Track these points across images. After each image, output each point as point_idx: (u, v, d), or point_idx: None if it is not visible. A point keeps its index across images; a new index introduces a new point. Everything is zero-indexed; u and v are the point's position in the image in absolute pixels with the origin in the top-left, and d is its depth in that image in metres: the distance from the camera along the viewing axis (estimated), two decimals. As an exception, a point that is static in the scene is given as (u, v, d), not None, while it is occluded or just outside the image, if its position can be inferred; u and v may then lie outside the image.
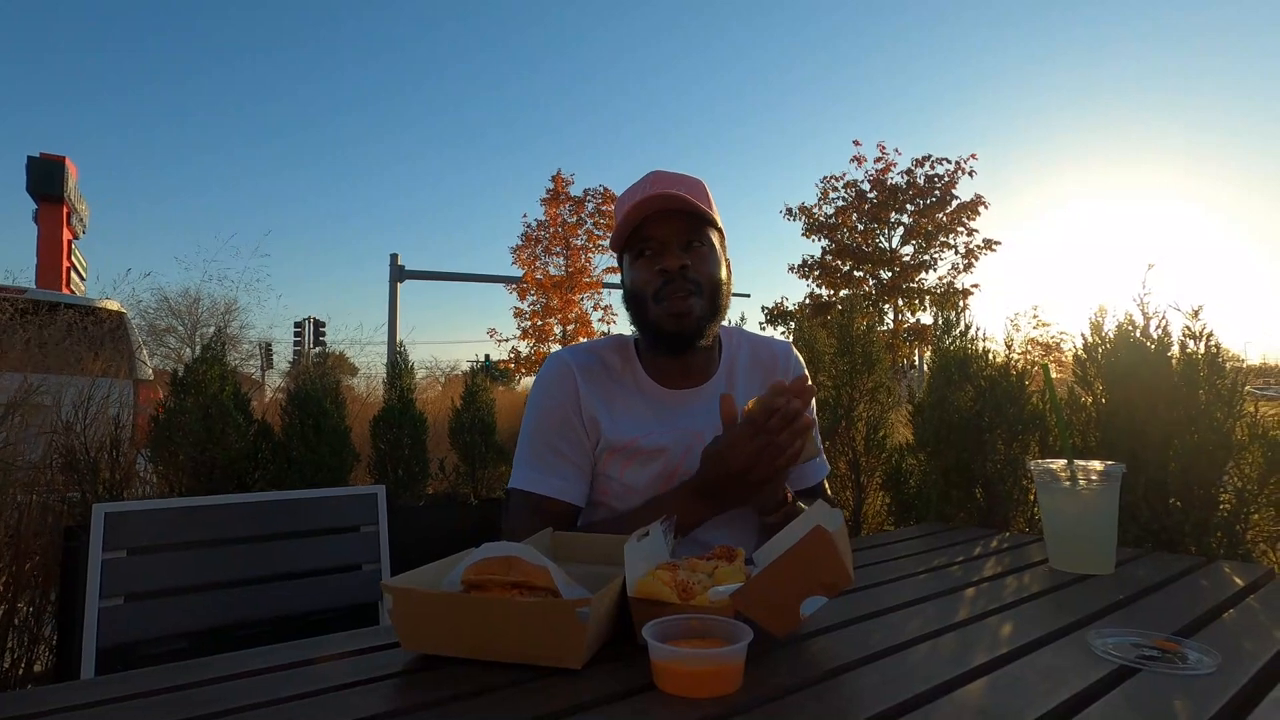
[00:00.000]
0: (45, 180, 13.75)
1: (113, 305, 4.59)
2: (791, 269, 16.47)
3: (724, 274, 1.18)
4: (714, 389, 1.20)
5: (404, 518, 2.49)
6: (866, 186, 16.14)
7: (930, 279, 16.07)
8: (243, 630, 1.34)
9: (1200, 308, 1.68)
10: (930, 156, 15.84)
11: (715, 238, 1.18)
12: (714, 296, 1.15)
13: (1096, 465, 1.03)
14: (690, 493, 1.07)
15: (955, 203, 15.69)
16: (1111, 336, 1.80)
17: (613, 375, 1.20)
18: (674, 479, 1.14)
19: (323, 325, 18.89)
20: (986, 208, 15.66)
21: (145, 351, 4.77)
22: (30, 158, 13.77)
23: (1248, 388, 1.63)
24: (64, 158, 14.07)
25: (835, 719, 0.56)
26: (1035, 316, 16.86)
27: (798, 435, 0.98)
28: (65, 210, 14.13)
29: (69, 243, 14.51)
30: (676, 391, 1.19)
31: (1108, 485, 1.02)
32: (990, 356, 2.19)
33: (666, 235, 1.12)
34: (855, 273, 16.15)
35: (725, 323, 1.27)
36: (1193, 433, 1.60)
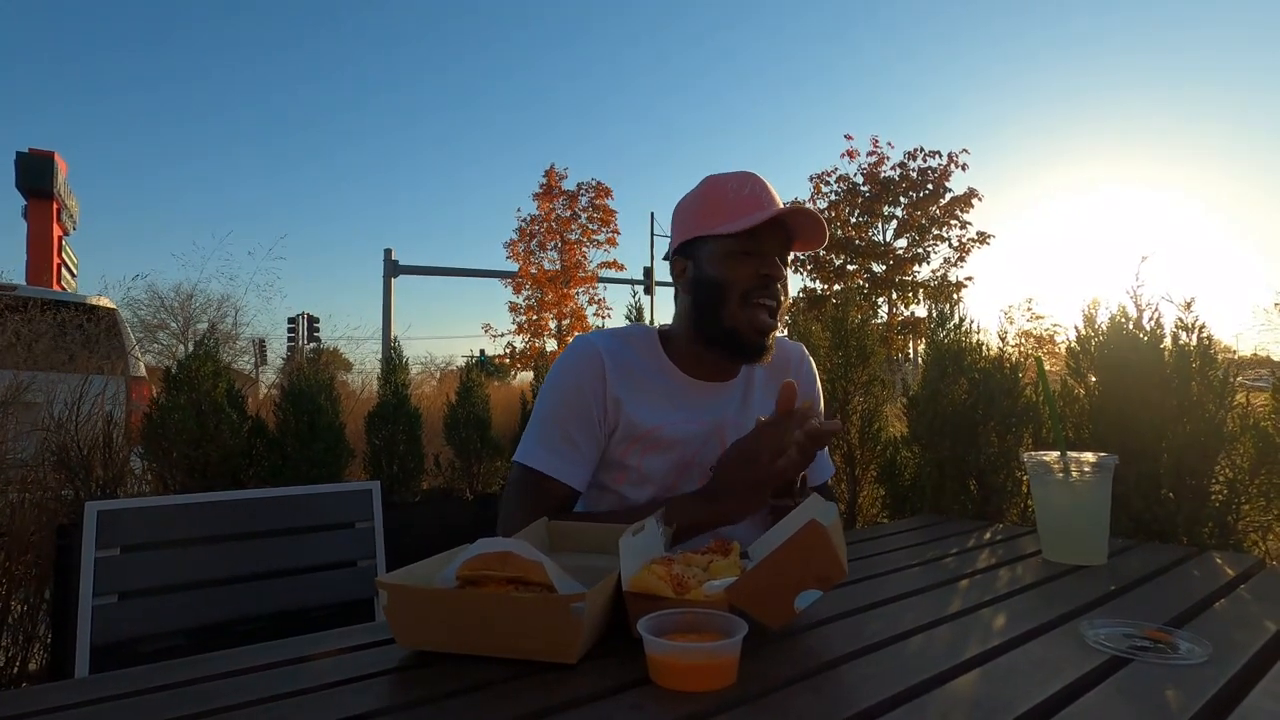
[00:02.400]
0: (34, 175, 13.64)
1: (104, 302, 4.56)
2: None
3: None
4: (737, 385, 1.23)
5: (399, 514, 2.48)
6: (859, 180, 16.16)
7: (924, 272, 16.12)
8: (237, 627, 1.34)
9: (1193, 300, 1.68)
10: (922, 149, 15.86)
11: None
12: (783, 314, 1.19)
13: (1089, 457, 1.03)
14: (700, 497, 1.08)
15: (948, 195, 15.72)
16: (1105, 328, 1.81)
17: (639, 362, 1.20)
18: (690, 469, 1.16)
19: (316, 321, 18.83)
20: (980, 200, 15.71)
21: (138, 348, 4.75)
22: (19, 153, 13.66)
23: (1239, 379, 1.64)
24: (53, 153, 13.95)
25: (831, 710, 0.56)
26: (1029, 309, 16.95)
27: (820, 448, 1.03)
28: (55, 206, 14.03)
29: (59, 239, 14.42)
30: (702, 383, 1.21)
31: (1100, 477, 1.03)
32: (984, 349, 2.20)
33: (772, 247, 1.14)
34: (849, 266, 16.18)
35: None
36: (1185, 424, 1.61)
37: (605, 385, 1.15)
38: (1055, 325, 16.57)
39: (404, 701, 0.60)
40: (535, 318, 16.19)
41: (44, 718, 0.57)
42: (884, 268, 16.04)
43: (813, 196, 16.37)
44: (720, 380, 1.22)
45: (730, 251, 1.15)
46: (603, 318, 16.58)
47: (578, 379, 1.16)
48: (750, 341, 1.14)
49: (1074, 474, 1.03)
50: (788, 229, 1.16)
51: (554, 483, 1.13)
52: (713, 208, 1.17)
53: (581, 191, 16.30)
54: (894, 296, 16.10)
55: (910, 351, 15.47)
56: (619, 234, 16.45)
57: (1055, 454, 1.06)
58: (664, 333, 1.27)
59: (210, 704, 0.59)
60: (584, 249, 16.32)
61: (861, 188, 16.13)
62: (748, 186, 1.16)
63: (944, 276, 16.00)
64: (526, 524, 0.95)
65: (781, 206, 1.14)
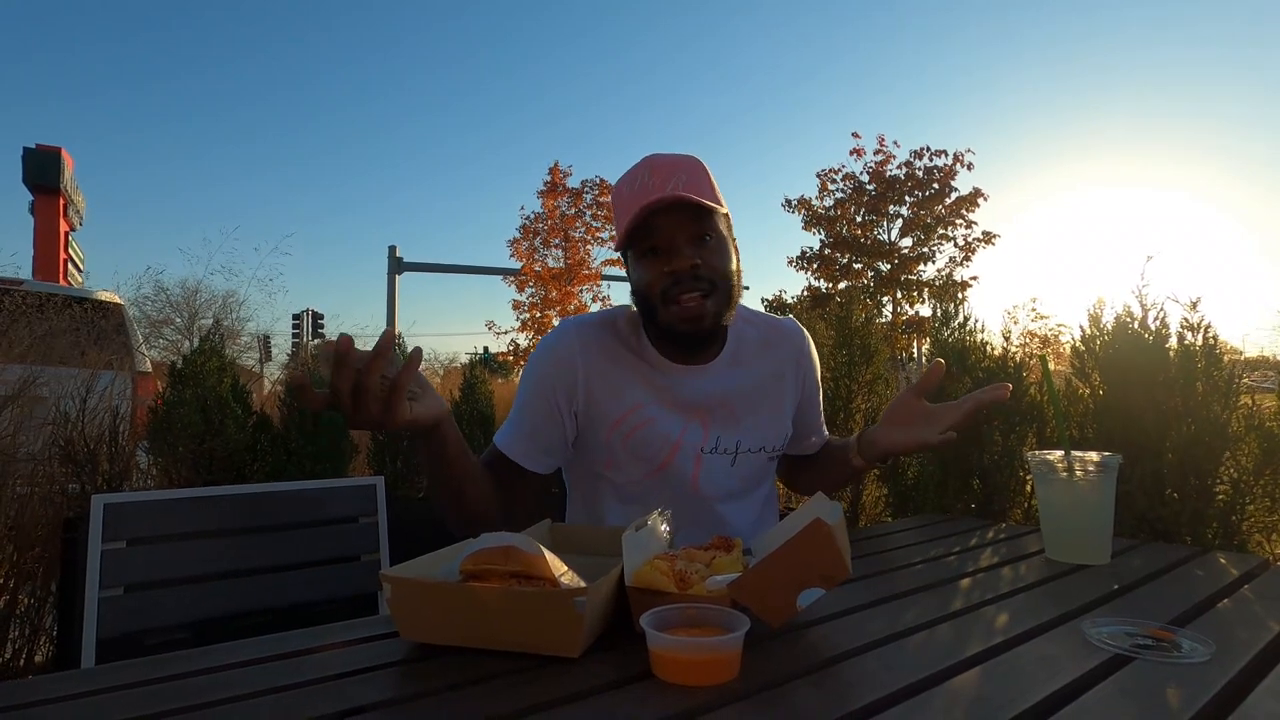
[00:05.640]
0: (41, 171, 13.69)
1: (110, 297, 4.58)
2: (790, 261, 16.47)
3: (735, 262, 1.14)
4: (719, 368, 1.20)
5: (403, 509, 2.49)
6: (865, 179, 16.12)
7: (929, 271, 16.08)
8: (241, 620, 1.34)
9: (1198, 300, 1.68)
10: (929, 148, 15.81)
11: (723, 224, 1.13)
12: (728, 290, 1.12)
13: (1093, 456, 1.03)
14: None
15: (954, 195, 15.67)
16: (1109, 328, 1.80)
17: (620, 345, 1.18)
18: (675, 453, 1.16)
19: (321, 317, 18.90)
20: (985, 199, 15.65)
21: (143, 343, 4.77)
22: (26, 149, 13.70)
23: (1245, 380, 1.64)
24: (60, 149, 13.99)
25: (833, 706, 0.56)
26: (1033, 309, 16.91)
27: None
28: (62, 201, 14.08)
29: (66, 234, 14.47)
30: (681, 365, 1.18)
31: (1104, 476, 1.02)
32: (988, 348, 2.20)
33: (674, 232, 1.08)
34: (854, 265, 16.14)
35: None
36: (1189, 424, 1.61)
37: (576, 371, 1.14)
38: (1060, 325, 16.52)
39: (407, 694, 0.60)
40: (539, 315, 16.20)
41: (50, 708, 0.58)
42: (889, 267, 16.00)
43: (819, 194, 16.32)
44: (700, 363, 1.19)
45: (638, 256, 1.12)
46: (606, 316, 16.50)
47: (546, 367, 1.17)
48: (685, 333, 1.10)
49: (1078, 473, 1.03)
50: (689, 205, 1.07)
51: (497, 451, 1.16)
52: (619, 216, 1.14)
53: (586, 189, 16.29)
54: (899, 295, 16.05)
55: (914, 351, 15.43)
56: (623, 232, 16.37)
57: (1059, 453, 1.05)
58: None
59: (214, 695, 0.59)
60: (588, 247, 16.31)
61: (868, 186, 16.08)
62: (637, 181, 1.10)
63: (949, 276, 15.95)
64: None
65: (660, 196, 1.05)
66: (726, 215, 1.15)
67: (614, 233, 1.21)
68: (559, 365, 1.15)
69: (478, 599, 0.67)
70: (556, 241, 16.20)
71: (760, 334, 1.26)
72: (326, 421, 2.56)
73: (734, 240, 1.17)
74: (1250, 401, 1.61)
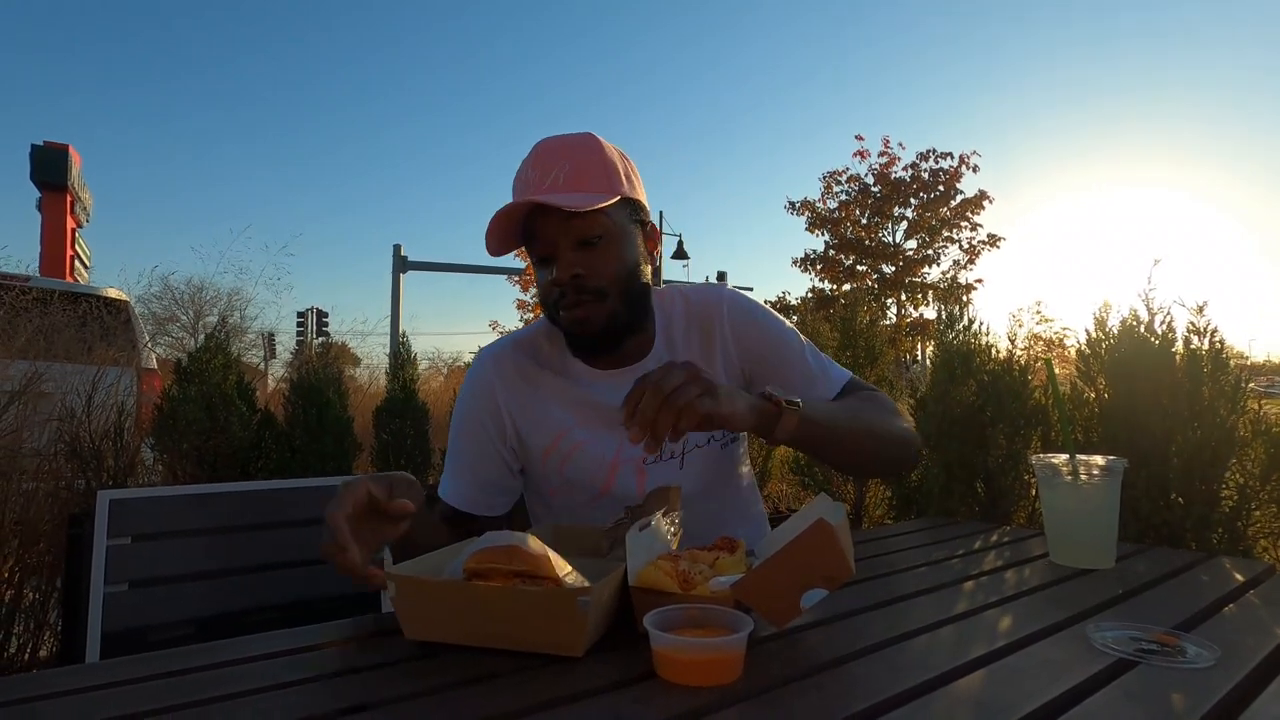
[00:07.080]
0: (49, 168, 13.74)
1: (117, 294, 4.60)
2: (795, 262, 16.48)
3: (634, 256, 1.03)
4: (655, 359, 1.10)
5: (406, 508, 2.50)
6: (870, 180, 16.11)
7: (933, 274, 16.07)
8: (245, 617, 1.34)
9: (1205, 304, 1.67)
10: (934, 150, 15.80)
11: (620, 215, 1.01)
12: (623, 292, 1.01)
13: (1098, 460, 1.03)
14: None
15: (959, 197, 15.65)
16: (1115, 332, 1.80)
17: (541, 364, 1.11)
18: (614, 475, 1.08)
19: (325, 315, 18.96)
20: (991, 202, 15.63)
21: (149, 340, 4.78)
22: (34, 146, 13.76)
23: (1251, 384, 1.63)
24: (67, 146, 14.05)
25: (835, 708, 0.56)
26: (1038, 312, 16.85)
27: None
28: (69, 199, 14.13)
29: (73, 231, 14.53)
30: (610, 373, 1.09)
31: (1109, 480, 1.02)
32: (993, 351, 2.19)
33: (556, 238, 0.98)
34: (858, 267, 16.14)
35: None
36: (1195, 429, 1.60)
37: (498, 404, 1.09)
38: (1065, 328, 16.46)
39: (410, 692, 0.60)
40: (542, 315, 16.19)
41: (54, 702, 0.58)
42: (894, 269, 15.99)
43: (823, 196, 16.32)
44: (630, 364, 1.09)
45: (533, 262, 1.04)
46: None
47: (471, 406, 1.11)
48: (585, 337, 1.03)
49: (1083, 477, 1.03)
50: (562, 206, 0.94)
51: (440, 502, 1.11)
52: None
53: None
54: (903, 298, 16.04)
55: (919, 353, 15.41)
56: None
57: (1064, 457, 1.05)
58: None
59: (217, 691, 0.59)
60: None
61: (873, 188, 16.08)
62: (520, 177, 1.01)
63: (953, 278, 15.93)
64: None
65: (527, 198, 0.95)
66: (633, 200, 1.03)
67: None
68: (482, 401, 1.10)
69: (481, 598, 0.67)
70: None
71: (686, 314, 1.14)
72: (331, 420, 2.56)
73: (646, 229, 1.07)
74: (1257, 406, 1.60)
